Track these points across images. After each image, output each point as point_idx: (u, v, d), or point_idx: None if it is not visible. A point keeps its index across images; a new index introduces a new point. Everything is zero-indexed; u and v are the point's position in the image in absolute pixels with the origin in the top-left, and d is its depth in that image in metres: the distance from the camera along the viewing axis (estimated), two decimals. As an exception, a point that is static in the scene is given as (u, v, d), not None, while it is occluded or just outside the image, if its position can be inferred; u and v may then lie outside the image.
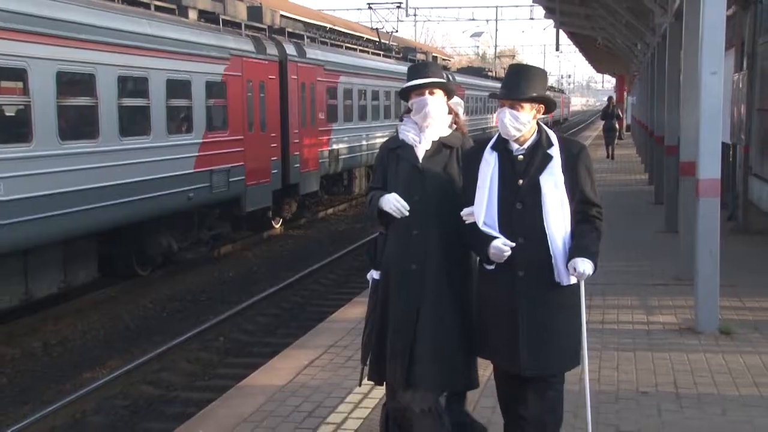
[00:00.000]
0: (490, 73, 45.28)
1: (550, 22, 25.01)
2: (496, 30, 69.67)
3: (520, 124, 3.76)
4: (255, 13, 16.02)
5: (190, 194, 12.44)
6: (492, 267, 3.79)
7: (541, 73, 3.91)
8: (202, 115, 12.93)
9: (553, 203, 3.72)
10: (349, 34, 29.76)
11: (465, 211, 3.89)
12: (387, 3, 33.31)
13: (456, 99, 4.43)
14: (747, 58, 12.77)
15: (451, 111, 4.27)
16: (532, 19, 54.63)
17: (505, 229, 3.74)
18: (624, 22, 18.48)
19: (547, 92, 3.92)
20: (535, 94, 3.78)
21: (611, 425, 4.91)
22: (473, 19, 71.78)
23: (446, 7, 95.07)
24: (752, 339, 6.77)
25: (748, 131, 12.34)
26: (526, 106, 3.77)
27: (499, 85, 4.09)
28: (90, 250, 10.90)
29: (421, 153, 4.14)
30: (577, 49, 38.41)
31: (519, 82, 3.80)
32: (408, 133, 4.20)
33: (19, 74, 9.13)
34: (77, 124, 10.14)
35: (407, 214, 4.06)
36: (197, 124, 12.78)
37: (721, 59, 6.94)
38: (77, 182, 9.89)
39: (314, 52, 17.74)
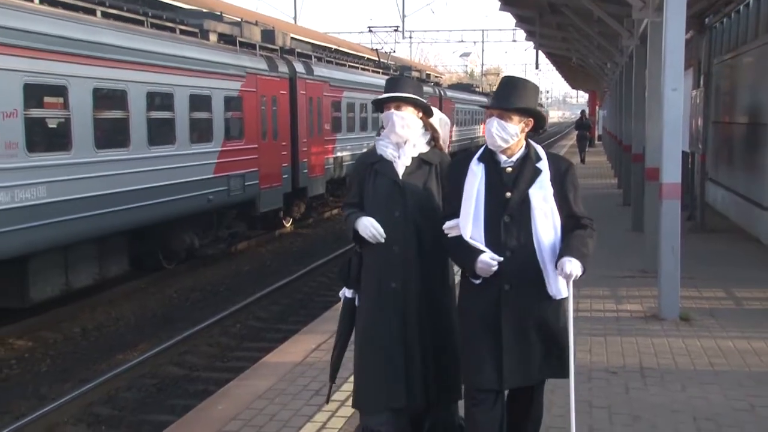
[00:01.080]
0: (477, 89, 45.31)
1: (531, 43, 25.02)
2: (483, 50, 69.35)
3: (507, 135, 3.35)
4: (268, 35, 16.02)
5: (210, 197, 12.45)
6: (478, 281, 3.38)
7: (533, 87, 3.44)
8: (221, 126, 12.93)
9: (542, 216, 3.33)
10: (351, 54, 29.68)
11: (448, 224, 3.44)
12: (386, 27, 33.44)
13: (444, 119, 3.97)
14: (703, 77, 12.84)
15: (428, 128, 3.83)
16: (514, 41, 54.43)
17: (492, 242, 3.33)
18: (596, 44, 18.51)
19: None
20: (523, 106, 3.36)
21: (585, 401, 4.94)
22: (462, 41, 72.03)
23: (438, 30, 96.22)
24: (708, 325, 6.81)
25: (704, 141, 12.40)
26: (515, 117, 3.35)
27: (485, 99, 3.93)
28: (122, 247, 10.92)
29: (401, 169, 3.72)
30: (554, 68, 38.35)
31: (509, 94, 3.37)
32: (386, 149, 3.76)
33: (60, 91, 9.16)
34: (111, 135, 10.15)
35: (383, 240, 3.66)
36: (216, 134, 12.79)
37: (681, 77, 6.98)
38: (111, 186, 9.90)
39: (321, 70, 17.74)
